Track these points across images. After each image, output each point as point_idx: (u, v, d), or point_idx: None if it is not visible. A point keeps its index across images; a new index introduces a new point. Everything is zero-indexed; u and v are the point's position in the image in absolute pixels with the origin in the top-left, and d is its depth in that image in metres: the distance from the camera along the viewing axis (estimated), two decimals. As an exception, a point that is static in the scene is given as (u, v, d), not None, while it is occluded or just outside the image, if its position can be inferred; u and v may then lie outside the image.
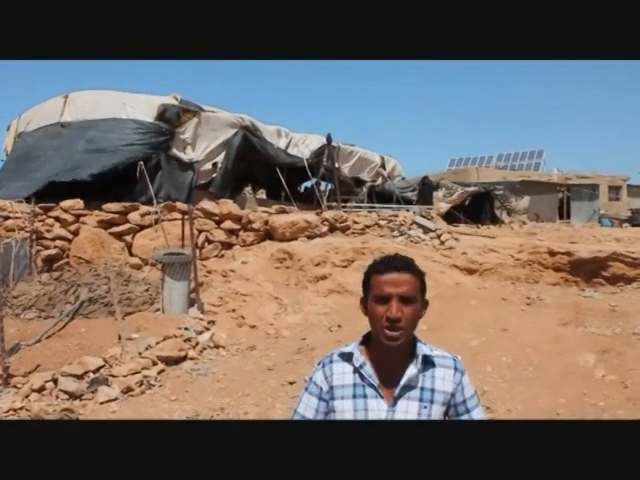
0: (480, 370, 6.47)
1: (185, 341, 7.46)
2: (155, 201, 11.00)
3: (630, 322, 7.63)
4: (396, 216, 12.83)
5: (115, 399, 6.12)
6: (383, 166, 20.01)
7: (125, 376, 6.46)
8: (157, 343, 7.23)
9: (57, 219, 10.54)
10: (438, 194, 19.26)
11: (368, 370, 1.83)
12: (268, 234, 11.55)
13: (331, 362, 1.89)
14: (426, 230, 12.17)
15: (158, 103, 12.06)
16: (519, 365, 6.57)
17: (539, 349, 6.90)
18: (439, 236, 11.83)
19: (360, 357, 1.84)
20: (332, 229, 11.89)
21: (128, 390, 6.27)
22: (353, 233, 11.99)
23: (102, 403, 6.03)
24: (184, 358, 7.17)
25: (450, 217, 16.35)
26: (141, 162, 11.28)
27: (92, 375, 6.42)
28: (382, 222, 12.49)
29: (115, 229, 10.56)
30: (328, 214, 12.18)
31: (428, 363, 1.87)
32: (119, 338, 7.28)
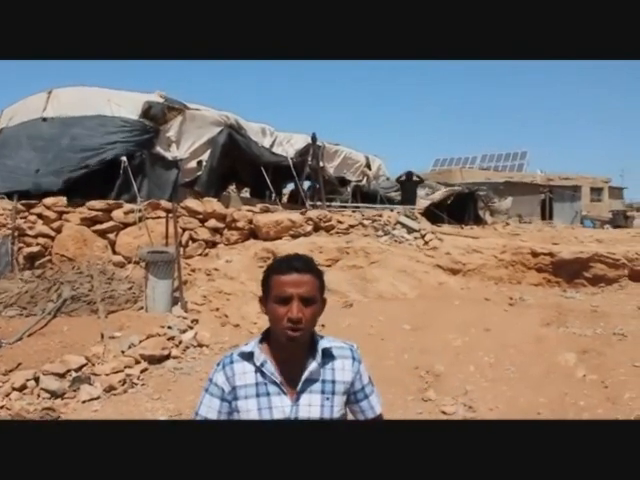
0: (463, 370, 6.52)
1: (168, 340, 7.43)
2: (139, 199, 10.95)
3: (610, 323, 7.71)
4: (380, 216, 12.85)
5: (97, 398, 6.08)
6: (368, 166, 20.04)
7: (107, 375, 6.42)
8: (140, 342, 7.19)
9: (40, 216, 10.46)
10: (420, 193, 19.34)
11: (269, 368, 1.86)
12: (252, 233, 11.53)
13: (231, 362, 1.90)
14: (410, 230, 12.20)
15: (143, 100, 11.98)
16: (501, 365, 6.62)
17: (521, 349, 6.96)
18: (423, 236, 11.85)
19: (261, 355, 1.87)
20: (316, 228, 11.88)
21: (110, 389, 6.23)
22: (337, 233, 11.98)
23: (84, 402, 5.99)
24: (167, 357, 7.14)
25: (434, 217, 16.41)
26: (125, 159, 11.21)
27: (74, 374, 6.38)
28: (366, 222, 12.50)
29: (98, 227, 10.48)
30: (312, 213, 12.17)
31: (327, 356, 1.92)
32: (102, 336, 7.24)
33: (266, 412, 1.84)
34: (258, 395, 1.85)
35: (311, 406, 1.86)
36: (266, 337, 1.93)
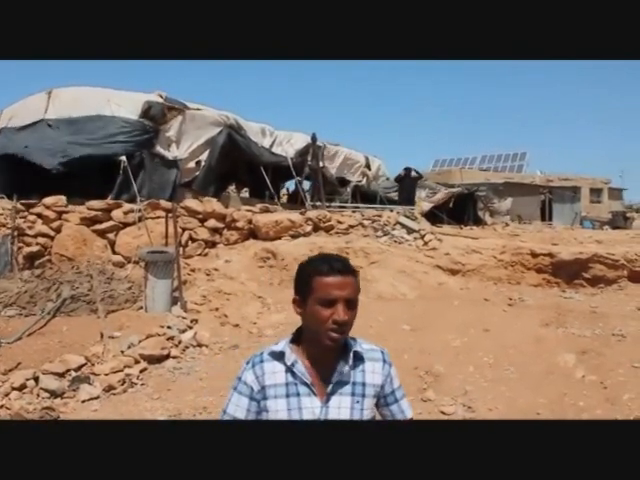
0: (462, 370, 6.52)
1: (168, 339, 7.43)
2: (138, 199, 10.95)
3: (610, 323, 7.72)
4: (380, 216, 12.86)
5: (97, 397, 6.08)
6: (368, 166, 20.02)
7: (107, 374, 6.42)
8: (140, 341, 7.19)
9: (39, 216, 10.47)
10: (421, 194, 19.20)
11: (300, 368, 1.84)
12: (252, 233, 11.53)
13: (261, 361, 1.88)
14: (410, 230, 12.20)
15: (143, 100, 11.98)
16: (501, 365, 6.62)
17: (520, 349, 6.96)
18: (423, 236, 11.86)
19: (292, 355, 1.85)
20: (316, 229, 11.88)
21: (110, 388, 6.23)
22: (337, 233, 11.99)
23: (84, 401, 5.99)
24: (167, 357, 7.14)
25: (433, 218, 16.41)
26: (124, 159, 11.21)
27: (74, 373, 6.38)
28: (366, 222, 12.50)
29: (98, 226, 10.48)
30: (312, 214, 12.17)
31: (358, 358, 1.90)
32: (101, 336, 7.24)
33: (295, 413, 1.82)
34: (288, 395, 1.83)
35: (341, 408, 1.84)
36: (296, 337, 1.92)
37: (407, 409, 2.03)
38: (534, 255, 10.70)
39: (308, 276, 1.84)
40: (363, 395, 1.88)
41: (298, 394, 1.83)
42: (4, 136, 12.64)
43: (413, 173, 17.76)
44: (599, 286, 10.26)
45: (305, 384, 1.84)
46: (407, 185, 17.63)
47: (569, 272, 10.49)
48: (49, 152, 11.03)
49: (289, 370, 1.85)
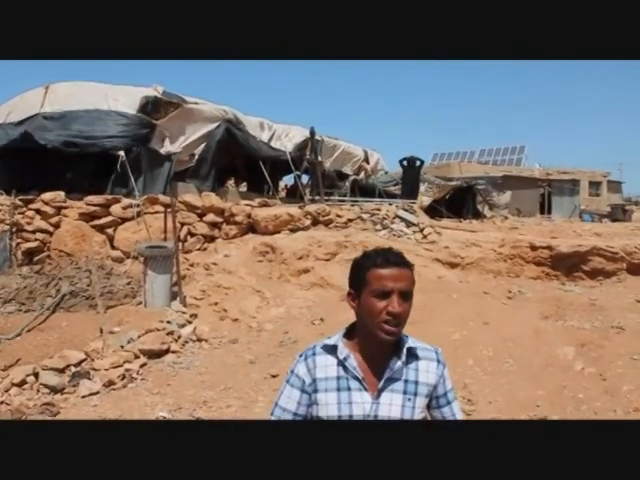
0: (461, 363, 6.54)
1: (167, 334, 7.45)
2: (137, 194, 10.93)
3: (609, 316, 7.73)
4: (379, 210, 12.82)
5: (97, 393, 6.11)
6: (366, 160, 19.98)
7: (107, 370, 6.44)
8: (139, 336, 7.21)
9: (38, 211, 10.47)
10: (420, 188, 19.09)
11: (352, 363, 1.83)
12: (251, 227, 11.52)
13: (314, 354, 1.88)
14: (409, 224, 12.18)
15: (140, 95, 11.94)
16: (500, 358, 6.64)
17: (520, 342, 6.98)
18: (422, 230, 11.83)
19: (344, 349, 1.85)
20: (315, 222, 11.86)
21: (110, 384, 6.25)
22: (336, 227, 11.96)
23: (84, 397, 6.01)
24: (166, 351, 7.16)
25: (432, 211, 16.37)
26: (122, 154, 11.18)
27: (73, 369, 6.40)
28: (365, 216, 12.48)
29: (97, 222, 10.49)
30: (311, 207, 12.14)
31: (412, 355, 1.88)
32: (101, 332, 7.25)
33: (346, 407, 1.81)
34: (339, 389, 1.82)
35: (392, 405, 1.82)
36: (349, 332, 1.91)
37: (458, 412, 2.00)
38: (533, 248, 10.69)
39: (363, 269, 1.83)
40: (415, 394, 1.86)
41: (349, 388, 1.82)
42: (2, 132, 12.60)
43: (417, 163, 17.20)
44: (598, 279, 10.26)
45: (356, 379, 1.82)
46: (410, 176, 17.16)
47: (568, 265, 10.48)
48: (45, 137, 11.09)
49: (341, 364, 1.84)
